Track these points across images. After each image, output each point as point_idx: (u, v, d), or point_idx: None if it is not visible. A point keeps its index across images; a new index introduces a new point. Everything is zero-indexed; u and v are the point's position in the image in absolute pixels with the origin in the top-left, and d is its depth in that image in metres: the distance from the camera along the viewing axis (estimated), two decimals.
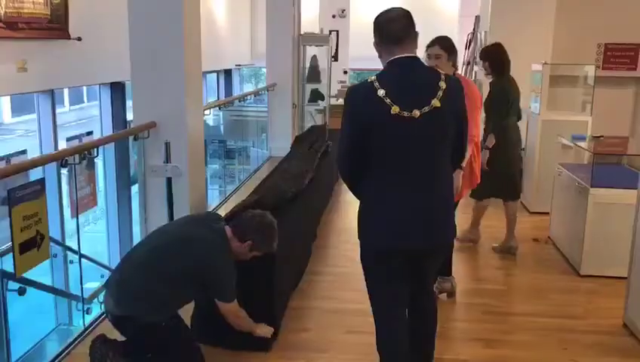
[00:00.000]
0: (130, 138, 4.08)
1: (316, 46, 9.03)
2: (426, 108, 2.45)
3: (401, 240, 2.54)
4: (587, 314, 4.02)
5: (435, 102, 2.46)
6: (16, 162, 4.84)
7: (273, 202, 3.84)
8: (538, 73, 6.22)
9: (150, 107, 3.97)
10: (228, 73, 12.51)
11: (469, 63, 9.26)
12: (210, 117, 8.46)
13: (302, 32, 8.72)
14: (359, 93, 2.55)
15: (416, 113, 2.44)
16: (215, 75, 11.88)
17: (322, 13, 12.96)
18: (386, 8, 2.61)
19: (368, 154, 2.54)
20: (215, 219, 3.19)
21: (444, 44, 3.73)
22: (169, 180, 4.00)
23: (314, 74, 8.99)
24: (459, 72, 4.23)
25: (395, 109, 2.43)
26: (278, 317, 3.63)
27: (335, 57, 11.87)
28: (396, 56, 2.52)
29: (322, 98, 9.22)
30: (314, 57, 8.95)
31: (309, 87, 9.06)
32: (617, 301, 3.97)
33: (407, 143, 2.49)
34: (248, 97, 8.52)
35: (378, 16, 2.60)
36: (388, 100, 2.44)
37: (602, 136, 5.26)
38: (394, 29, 2.53)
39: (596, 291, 4.37)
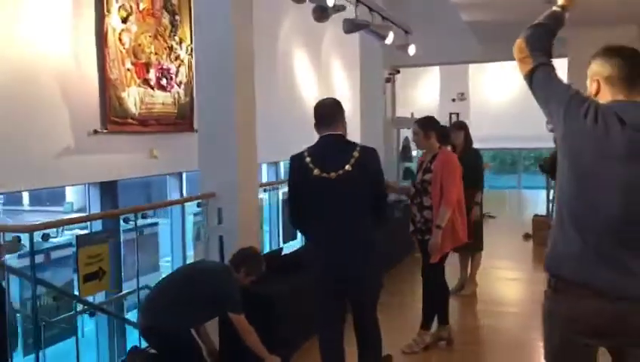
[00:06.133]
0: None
1: (407, 129, 9.77)
2: (340, 171, 3.26)
3: (327, 270, 3.36)
4: None
5: (348, 167, 3.27)
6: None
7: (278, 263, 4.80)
8: None
9: (211, 181, 5.12)
10: None
11: None
12: None
13: (396, 116, 9.53)
14: (294, 160, 3.43)
15: (333, 175, 3.27)
16: None
17: (442, 97, 13.68)
18: (322, 98, 3.56)
19: (304, 205, 3.39)
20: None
21: (420, 123, 4.55)
22: (221, 238, 5.07)
23: (406, 153, 9.75)
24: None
25: (316, 172, 3.28)
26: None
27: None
28: (324, 134, 3.40)
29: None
30: (406, 138, 9.67)
31: (402, 165, 9.80)
32: None
33: (326, 198, 3.30)
34: None
35: (316, 104, 3.50)
36: (311, 165, 3.30)
37: None
38: (323, 113, 3.42)
39: None
